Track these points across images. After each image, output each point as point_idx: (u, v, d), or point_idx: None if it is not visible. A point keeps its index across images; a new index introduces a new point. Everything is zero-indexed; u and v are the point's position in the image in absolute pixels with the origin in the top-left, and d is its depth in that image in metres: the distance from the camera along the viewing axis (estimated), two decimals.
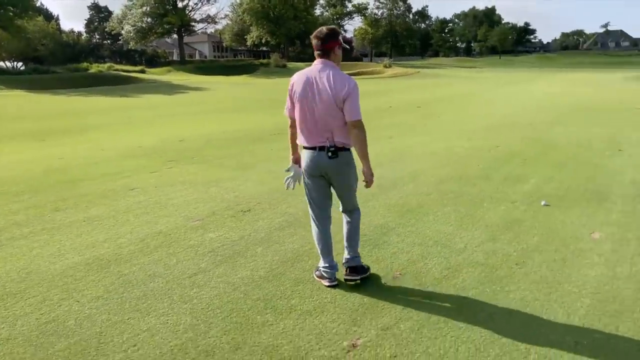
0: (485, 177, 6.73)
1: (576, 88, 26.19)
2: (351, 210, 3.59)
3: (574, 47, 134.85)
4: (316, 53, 3.26)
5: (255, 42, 74.33)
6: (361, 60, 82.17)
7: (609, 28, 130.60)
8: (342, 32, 3.27)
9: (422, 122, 13.18)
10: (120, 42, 70.37)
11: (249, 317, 3.10)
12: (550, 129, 11.24)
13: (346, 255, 3.60)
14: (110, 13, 75.02)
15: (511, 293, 3.39)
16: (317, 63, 3.25)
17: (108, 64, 50.84)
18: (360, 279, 3.55)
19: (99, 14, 78.55)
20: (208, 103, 21.46)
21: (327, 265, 3.54)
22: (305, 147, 3.35)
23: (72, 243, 4.43)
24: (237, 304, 3.28)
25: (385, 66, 53.82)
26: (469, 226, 4.77)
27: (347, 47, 3.40)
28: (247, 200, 5.73)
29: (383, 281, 3.62)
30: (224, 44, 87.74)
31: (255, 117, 15.16)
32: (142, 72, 46.58)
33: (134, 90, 31.20)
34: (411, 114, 15.25)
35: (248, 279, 3.67)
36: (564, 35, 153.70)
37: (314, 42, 3.24)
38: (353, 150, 3.34)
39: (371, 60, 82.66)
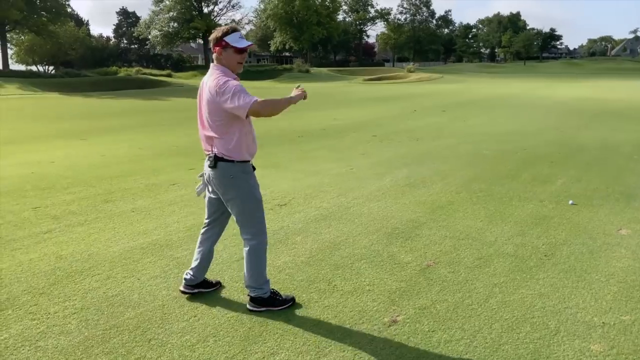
0: (513, 177, 6.90)
1: (603, 94, 25.94)
2: (243, 237, 3.22)
3: (602, 53, 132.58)
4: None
5: (279, 48, 75.23)
6: (383, 65, 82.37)
7: (639, 34, 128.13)
8: (238, 28, 3.10)
9: (448, 125, 13.34)
10: (147, 46, 72.09)
11: (296, 295, 3.37)
12: (577, 132, 11.31)
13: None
14: (137, 18, 76.80)
15: (540, 280, 3.59)
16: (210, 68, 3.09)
17: (136, 68, 52.15)
18: (265, 310, 3.19)
19: (127, 19, 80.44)
20: None
21: (184, 274, 3.42)
22: None
23: (125, 230, 4.78)
24: (283, 284, 3.56)
25: (409, 70, 53.96)
26: (498, 222, 4.97)
27: (237, 47, 2.99)
28: (282, 196, 6.02)
29: (417, 269, 3.85)
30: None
31: (278, 121, 15.49)
32: (169, 76, 47.71)
33: (163, 94, 31.98)
34: (436, 117, 15.42)
35: (291, 264, 3.95)
36: (590, 41, 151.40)
37: None
38: (239, 165, 3.05)
39: (393, 66, 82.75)
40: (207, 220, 3.39)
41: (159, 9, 64.42)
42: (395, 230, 4.77)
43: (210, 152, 3.07)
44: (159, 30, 63.76)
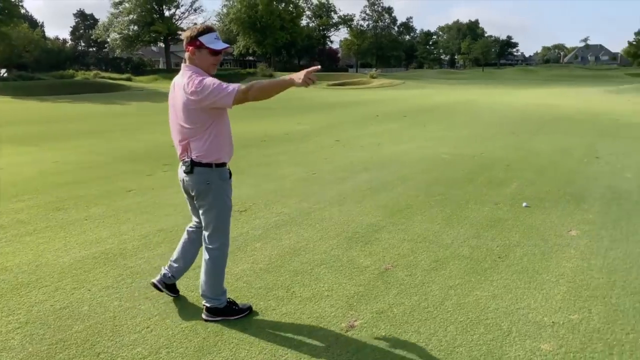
0: (470, 181, 7.04)
1: (556, 100, 26.89)
2: (206, 245, 3.13)
3: (556, 60, 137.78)
4: None
5: (242, 52, 74.70)
6: (347, 71, 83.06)
7: (589, 42, 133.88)
8: (215, 28, 2.94)
9: (408, 130, 13.54)
10: (106, 49, 70.23)
11: (253, 303, 3.32)
12: (531, 137, 11.67)
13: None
14: (95, 21, 74.79)
15: (494, 282, 3.67)
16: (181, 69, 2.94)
17: (94, 72, 50.74)
18: (219, 320, 3.11)
19: (85, 22, 78.26)
20: None
21: (163, 270, 3.37)
22: None
23: (77, 239, 4.61)
24: (241, 292, 3.51)
25: (371, 77, 54.52)
26: (455, 224, 5.06)
27: (212, 48, 2.83)
28: (242, 201, 5.94)
29: (375, 273, 3.87)
30: None
31: (244, 125, 15.40)
32: (129, 79, 46.57)
33: (122, 98, 31.21)
34: (398, 122, 15.62)
35: (249, 271, 3.90)
36: (545, 48, 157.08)
37: None
38: (216, 170, 2.99)
39: (357, 71, 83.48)
40: (196, 223, 3.31)
41: (118, 11, 62.84)
42: (355, 234, 4.78)
43: (186, 158, 2.96)
44: (119, 33, 62.21)
